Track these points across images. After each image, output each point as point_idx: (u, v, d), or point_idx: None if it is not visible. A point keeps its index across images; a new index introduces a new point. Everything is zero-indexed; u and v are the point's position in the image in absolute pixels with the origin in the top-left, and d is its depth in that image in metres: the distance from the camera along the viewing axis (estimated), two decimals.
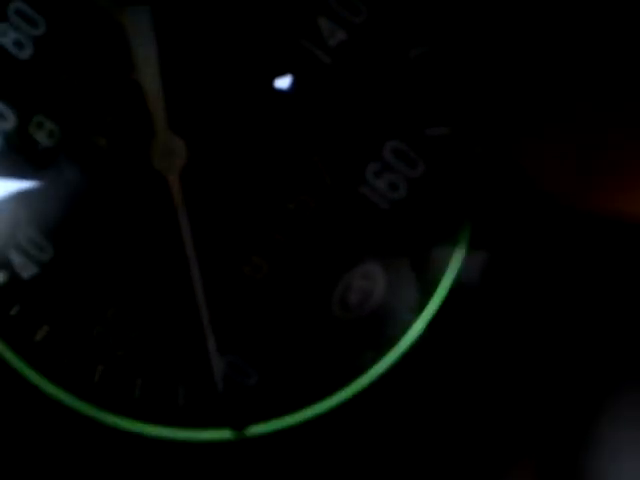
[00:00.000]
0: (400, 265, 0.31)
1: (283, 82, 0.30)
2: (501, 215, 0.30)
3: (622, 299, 0.30)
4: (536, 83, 0.28)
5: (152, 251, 0.30)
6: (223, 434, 0.31)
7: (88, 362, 0.31)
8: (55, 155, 0.30)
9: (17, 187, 0.30)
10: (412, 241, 0.30)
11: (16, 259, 0.30)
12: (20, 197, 0.30)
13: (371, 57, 0.30)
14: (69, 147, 0.30)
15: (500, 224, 0.30)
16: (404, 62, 0.30)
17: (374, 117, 0.30)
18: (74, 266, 0.31)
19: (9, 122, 0.30)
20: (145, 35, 0.29)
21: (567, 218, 0.29)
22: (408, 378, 0.31)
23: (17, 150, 0.30)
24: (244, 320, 0.31)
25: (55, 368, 0.31)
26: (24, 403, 0.31)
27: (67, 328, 0.31)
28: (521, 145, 0.28)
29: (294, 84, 0.30)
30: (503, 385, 0.31)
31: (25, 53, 0.30)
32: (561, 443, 0.30)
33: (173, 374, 0.31)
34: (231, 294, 0.31)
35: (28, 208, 0.30)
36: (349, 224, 0.30)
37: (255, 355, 0.31)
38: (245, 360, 0.31)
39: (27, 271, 0.30)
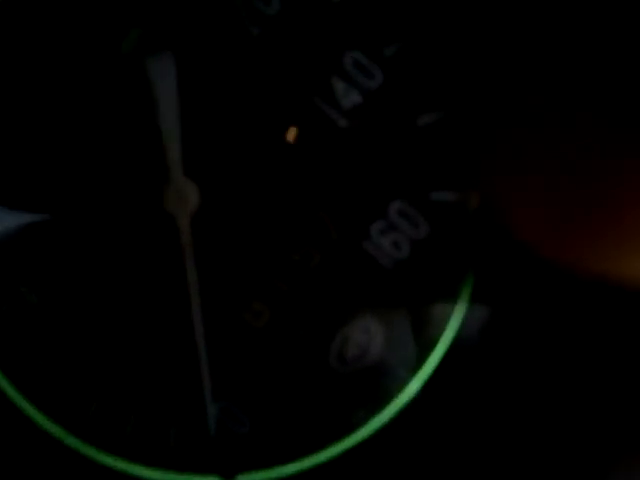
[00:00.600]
0: (399, 322, 0.31)
1: (296, 137, 0.31)
2: (502, 276, 0.30)
3: (620, 360, 0.30)
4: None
5: (155, 291, 0.31)
6: None
7: (83, 397, 0.31)
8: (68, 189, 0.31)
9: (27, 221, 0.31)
10: (412, 299, 0.31)
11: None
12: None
13: (382, 121, 0.31)
14: (83, 184, 0.31)
15: (501, 285, 0.31)
16: (413, 128, 0.31)
17: (381, 177, 0.31)
18: (76, 301, 0.31)
19: None
20: (167, 81, 0.30)
21: (566, 280, 0.29)
22: (402, 436, 0.31)
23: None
24: (241, 367, 0.31)
25: (46, 398, 0.31)
26: (17, 434, 0.31)
27: (64, 363, 0.31)
28: (508, 199, 0.28)
29: (306, 140, 0.31)
30: (499, 445, 0.31)
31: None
32: None
33: (166, 415, 0.31)
34: (230, 340, 0.31)
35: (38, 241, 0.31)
36: (351, 279, 0.31)
37: (249, 403, 0.31)
38: (239, 408, 0.31)
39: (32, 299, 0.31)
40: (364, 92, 0.31)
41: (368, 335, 0.31)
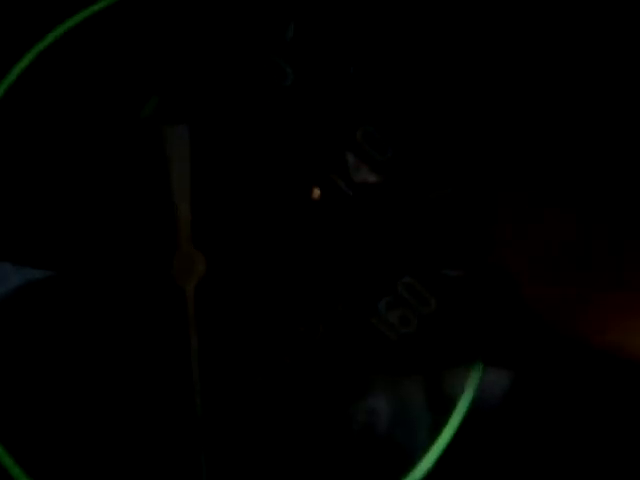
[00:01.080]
0: (407, 398, 0.30)
1: (305, 211, 0.31)
2: (513, 354, 0.30)
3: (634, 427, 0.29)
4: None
5: (157, 356, 0.30)
6: None
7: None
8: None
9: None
10: (420, 375, 0.30)
11: None
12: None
13: (393, 195, 0.31)
14: (92, 245, 0.31)
15: (512, 363, 0.30)
16: (424, 203, 0.31)
17: (390, 252, 0.31)
18: (76, 359, 0.30)
19: None
20: (181, 153, 0.30)
21: (579, 352, 0.29)
22: None
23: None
24: (236, 440, 0.30)
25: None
26: None
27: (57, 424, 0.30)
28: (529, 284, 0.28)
29: (315, 213, 0.31)
30: None
31: None
32: None
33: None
34: (228, 410, 0.30)
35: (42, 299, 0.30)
36: (357, 352, 0.30)
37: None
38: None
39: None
40: (375, 166, 0.31)
41: (374, 416, 0.30)
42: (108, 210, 0.30)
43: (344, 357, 0.30)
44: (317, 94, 0.31)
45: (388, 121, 0.31)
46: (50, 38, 0.31)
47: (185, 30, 0.31)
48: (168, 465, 0.30)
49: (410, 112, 0.31)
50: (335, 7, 0.31)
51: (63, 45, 0.31)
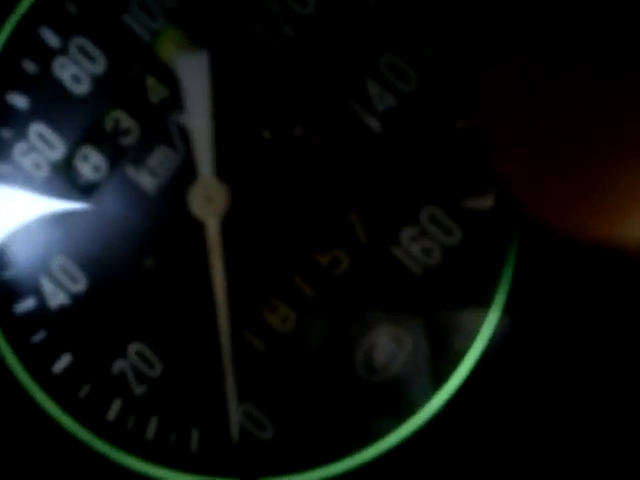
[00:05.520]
0: (428, 331, 0.30)
1: (329, 140, 0.30)
2: (539, 283, 0.30)
3: None
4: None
5: (181, 292, 0.30)
6: None
7: (105, 397, 0.31)
8: (97, 189, 0.31)
9: (56, 215, 0.31)
10: (442, 308, 0.30)
11: (47, 286, 0.31)
12: (57, 225, 0.31)
13: (417, 125, 0.30)
14: (112, 182, 0.31)
15: (537, 293, 0.30)
16: (448, 132, 0.30)
17: (414, 182, 0.30)
18: (103, 300, 0.31)
19: (57, 152, 0.31)
20: (200, 79, 0.30)
21: (605, 290, 0.28)
22: (426, 449, 0.30)
23: (60, 180, 0.31)
24: (266, 371, 0.30)
25: (72, 400, 0.31)
26: (38, 432, 0.31)
27: (88, 361, 0.31)
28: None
29: (339, 142, 0.30)
30: (526, 461, 0.30)
31: (81, 88, 0.31)
32: None
33: (189, 418, 0.30)
34: (255, 344, 0.30)
35: (64, 237, 0.31)
36: (379, 285, 0.30)
37: (273, 407, 0.30)
38: (262, 411, 0.30)
39: (56, 300, 0.31)
40: (399, 95, 0.30)
41: (396, 344, 0.30)
42: (125, 143, 0.31)
43: (367, 290, 0.30)
44: (338, 22, 0.30)
45: (412, 48, 0.30)
46: None
47: None
48: (195, 392, 0.31)
49: (435, 38, 0.30)
50: None
51: None
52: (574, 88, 0.25)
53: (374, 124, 0.30)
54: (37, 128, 0.31)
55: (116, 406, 0.31)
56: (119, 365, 0.31)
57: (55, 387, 0.31)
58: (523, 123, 0.26)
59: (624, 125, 0.24)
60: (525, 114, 0.26)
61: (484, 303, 0.30)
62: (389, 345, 0.30)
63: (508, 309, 0.30)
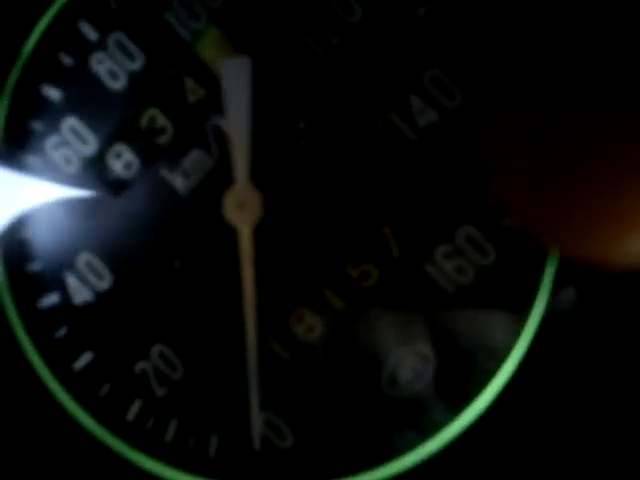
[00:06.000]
0: (456, 350, 0.30)
1: (368, 152, 0.30)
2: (573, 312, 0.29)
3: None
4: None
5: (208, 296, 0.30)
6: None
7: (125, 397, 0.30)
8: (127, 187, 0.30)
9: (84, 211, 0.30)
10: (473, 327, 0.30)
11: (72, 282, 0.30)
12: (85, 221, 0.30)
13: (459, 142, 0.30)
14: (143, 181, 0.30)
15: (570, 323, 0.29)
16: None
17: (452, 200, 0.30)
18: (128, 299, 0.30)
19: (89, 147, 0.30)
20: (241, 85, 0.29)
21: None
22: (449, 469, 0.30)
23: (90, 176, 0.30)
24: (289, 380, 0.30)
25: (91, 398, 0.30)
26: (56, 428, 0.30)
27: (110, 359, 0.30)
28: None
29: (377, 154, 0.30)
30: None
31: (117, 84, 0.30)
32: None
33: (209, 423, 0.30)
34: (282, 352, 0.30)
35: (91, 233, 0.30)
36: (410, 300, 0.30)
37: (295, 417, 0.30)
38: (284, 420, 0.30)
39: (80, 296, 0.30)
40: (441, 111, 0.30)
41: (423, 361, 0.30)
42: (159, 141, 0.30)
43: (396, 305, 0.30)
44: (384, 32, 0.29)
45: (458, 66, 0.29)
46: None
47: None
48: (218, 397, 0.30)
49: (480, 57, 0.29)
50: None
51: None
52: (570, 117, 0.25)
53: (415, 139, 0.30)
54: (70, 122, 0.30)
55: (136, 406, 0.30)
56: (141, 366, 0.30)
57: (75, 384, 0.31)
58: (524, 153, 0.25)
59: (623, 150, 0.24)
60: (525, 145, 0.25)
61: (516, 324, 0.30)
62: (415, 362, 0.30)
63: (540, 333, 0.29)
